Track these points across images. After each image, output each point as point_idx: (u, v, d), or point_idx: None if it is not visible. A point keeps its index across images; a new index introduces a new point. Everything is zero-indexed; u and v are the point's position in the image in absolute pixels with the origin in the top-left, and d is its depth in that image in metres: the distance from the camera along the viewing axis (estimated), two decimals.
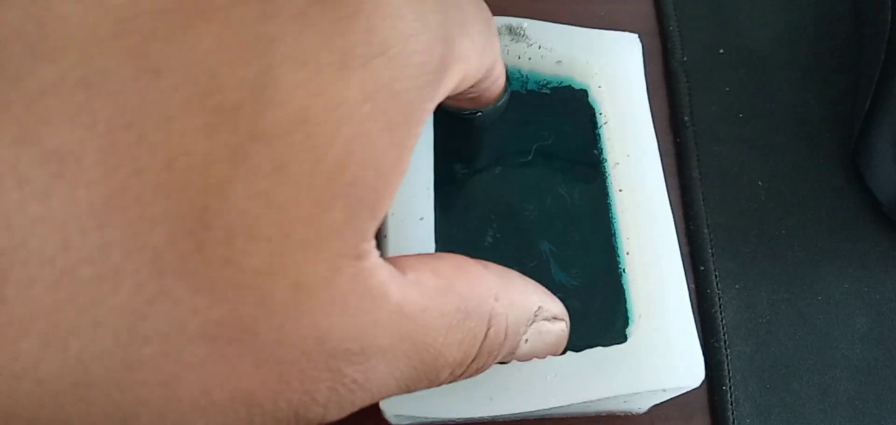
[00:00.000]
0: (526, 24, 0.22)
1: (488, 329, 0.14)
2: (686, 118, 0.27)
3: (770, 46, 0.29)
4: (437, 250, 0.19)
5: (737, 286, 0.25)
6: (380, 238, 0.18)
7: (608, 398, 0.17)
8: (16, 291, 0.09)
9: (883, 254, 0.25)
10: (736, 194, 0.26)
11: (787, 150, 0.27)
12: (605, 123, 0.21)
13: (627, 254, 0.19)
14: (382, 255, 0.12)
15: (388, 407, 0.17)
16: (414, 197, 0.19)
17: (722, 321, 0.24)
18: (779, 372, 0.23)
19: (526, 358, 0.16)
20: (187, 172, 0.10)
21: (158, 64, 0.10)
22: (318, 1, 0.11)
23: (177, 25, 0.10)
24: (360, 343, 0.11)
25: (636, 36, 0.22)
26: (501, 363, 0.17)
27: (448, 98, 0.15)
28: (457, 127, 0.21)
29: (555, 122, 0.21)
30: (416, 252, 0.18)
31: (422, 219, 0.18)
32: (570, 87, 0.22)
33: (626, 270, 0.19)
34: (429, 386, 0.14)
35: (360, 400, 0.12)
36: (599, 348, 0.17)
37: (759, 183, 0.26)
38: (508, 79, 0.21)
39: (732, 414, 0.23)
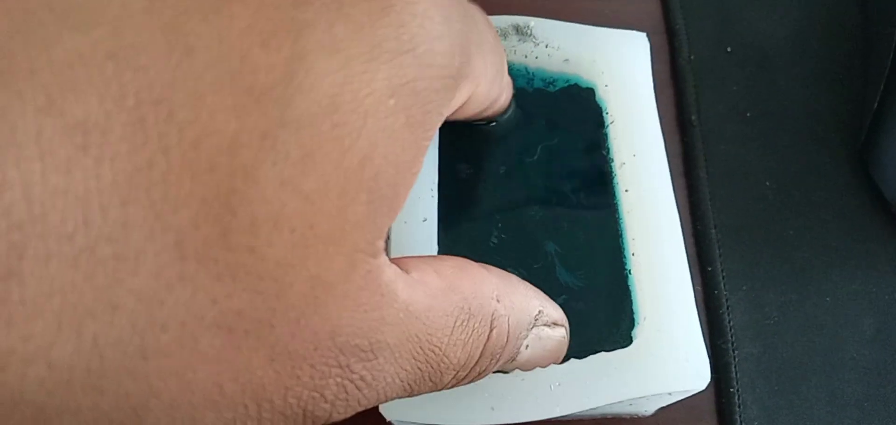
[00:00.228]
0: (532, 22, 0.22)
1: (491, 330, 0.14)
2: (693, 117, 0.27)
3: (778, 45, 0.29)
4: (441, 251, 0.18)
5: (744, 287, 0.24)
6: None
7: (613, 403, 0.17)
8: (32, 267, 0.08)
9: (892, 255, 0.25)
10: (743, 194, 0.26)
11: (795, 150, 0.27)
12: (612, 123, 0.21)
13: (633, 255, 0.19)
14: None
15: (390, 412, 0.17)
16: (417, 198, 0.19)
17: (729, 322, 0.24)
18: (787, 375, 0.23)
19: (527, 367, 0.16)
20: (215, 154, 0.09)
21: (191, 41, 0.09)
22: None
23: (210, 4, 0.10)
24: (370, 340, 0.11)
25: (644, 34, 0.22)
26: (503, 372, 0.17)
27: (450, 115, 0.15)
28: (460, 127, 0.21)
29: (561, 122, 0.21)
30: (419, 253, 0.18)
31: (425, 220, 0.18)
32: (576, 86, 0.22)
33: (631, 272, 0.19)
34: (432, 389, 0.13)
35: (366, 400, 0.12)
36: (603, 353, 0.17)
37: (767, 183, 0.26)
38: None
39: (740, 416, 0.22)
